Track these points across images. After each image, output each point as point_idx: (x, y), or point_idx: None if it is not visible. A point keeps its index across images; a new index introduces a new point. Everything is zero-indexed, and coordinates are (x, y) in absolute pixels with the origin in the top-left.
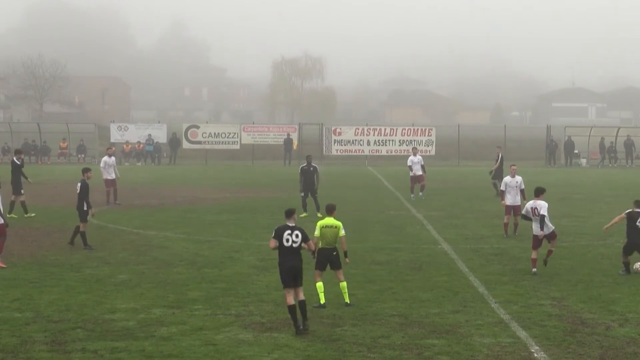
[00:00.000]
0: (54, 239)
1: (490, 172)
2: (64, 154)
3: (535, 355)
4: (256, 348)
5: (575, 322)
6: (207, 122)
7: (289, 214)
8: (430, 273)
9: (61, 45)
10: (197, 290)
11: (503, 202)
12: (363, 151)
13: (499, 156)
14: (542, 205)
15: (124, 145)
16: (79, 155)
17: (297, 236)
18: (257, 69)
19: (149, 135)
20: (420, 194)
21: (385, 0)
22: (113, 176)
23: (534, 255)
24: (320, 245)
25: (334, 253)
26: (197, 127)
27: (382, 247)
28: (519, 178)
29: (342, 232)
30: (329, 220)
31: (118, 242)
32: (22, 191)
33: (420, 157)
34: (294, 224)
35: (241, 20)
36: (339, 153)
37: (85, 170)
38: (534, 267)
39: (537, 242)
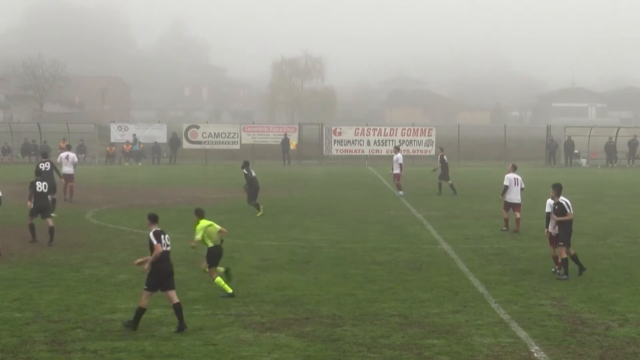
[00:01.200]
0: (54, 239)
1: (434, 170)
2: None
3: (535, 355)
4: (256, 348)
5: (575, 322)
6: (207, 122)
7: (156, 218)
8: (430, 273)
9: (61, 45)
10: (197, 290)
11: (502, 197)
12: (363, 151)
13: (441, 158)
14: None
15: (124, 145)
16: (80, 155)
17: (169, 239)
18: (257, 69)
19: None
20: (400, 193)
21: (385, 0)
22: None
23: (554, 252)
24: (210, 244)
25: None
26: (197, 127)
27: (382, 247)
28: (518, 176)
29: (218, 227)
30: (206, 222)
31: (118, 242)
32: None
33: (399, 156)
34: (161, 228)
35: (241, 20)
36: (339, 153)
37: (39, 173)
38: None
39: (554, 239)
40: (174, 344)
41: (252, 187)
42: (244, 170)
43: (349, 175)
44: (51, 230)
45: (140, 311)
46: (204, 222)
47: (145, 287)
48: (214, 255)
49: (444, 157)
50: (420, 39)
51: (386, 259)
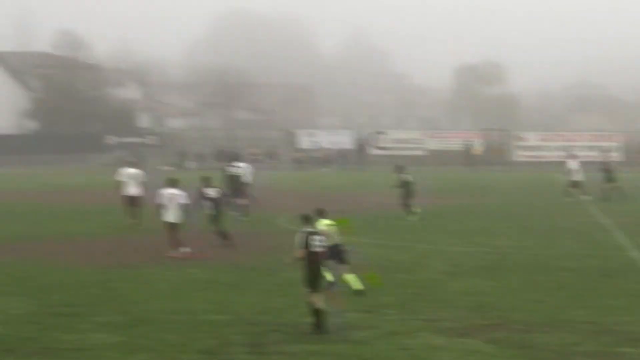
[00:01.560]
0: (250, 244)
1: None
2: (255, 160)
3: None
4: (449, 353)
5: None
6: (391, 129)
7: (307, 219)
8: (620, 280)
9: (248, 54)
10: (388, 295)
11: None
12: (548, 157)
13: (604, 162)
14: None
15: (311, 152)
16: (270, 161)
17: (320, 241)
18: (439, 76)
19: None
20: (588, 197)
21: (562, 4)
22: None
23: None
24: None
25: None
26: (383, 133)
27: (570, 253)
28: None
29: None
30: (326, 221)
31: None
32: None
33: (574, 162)
34: (314, 229)
35: (423, 26)
36: (523, 159)
37: (206, 179)
38: None
39: None
40: (370, 347)
41: (406, 190)
42: (401, 175)
43: (535, 181)
44: (225, 234)
45: (317, 312)
46: (324, 222)
47: (307, 289)
48: (333, 254)
49: (608, 162)
50: (603, 42)
51: (575, 266)
